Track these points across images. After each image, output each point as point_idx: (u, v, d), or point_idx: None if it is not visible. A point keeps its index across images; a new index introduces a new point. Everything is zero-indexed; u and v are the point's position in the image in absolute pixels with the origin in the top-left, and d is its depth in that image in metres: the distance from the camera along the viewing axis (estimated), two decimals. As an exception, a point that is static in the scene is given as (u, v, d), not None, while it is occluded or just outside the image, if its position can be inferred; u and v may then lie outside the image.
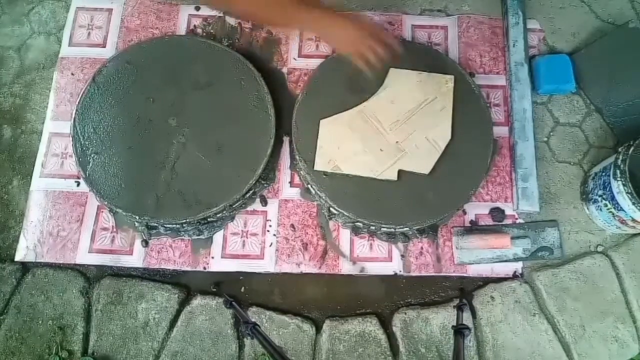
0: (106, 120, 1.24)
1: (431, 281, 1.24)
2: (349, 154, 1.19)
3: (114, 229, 1.25)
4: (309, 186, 1.22)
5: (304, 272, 1.23)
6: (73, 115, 1.25)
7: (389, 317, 1.21)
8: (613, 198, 1.12)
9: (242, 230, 1.25)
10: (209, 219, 1.23)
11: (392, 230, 1.21)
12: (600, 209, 1.19)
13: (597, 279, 1.20)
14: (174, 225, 1.22)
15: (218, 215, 1.22)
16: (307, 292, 1.24)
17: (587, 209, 1.26)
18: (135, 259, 1.23)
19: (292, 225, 1.25)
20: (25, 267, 1.24)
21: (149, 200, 1.18)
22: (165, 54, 1.30)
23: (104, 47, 1.40)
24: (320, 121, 1.22)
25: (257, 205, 1.27)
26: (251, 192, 1.23)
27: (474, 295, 1.21)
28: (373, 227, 1.21)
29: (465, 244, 1.22)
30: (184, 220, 1.18)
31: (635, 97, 1.32)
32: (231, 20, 1.41)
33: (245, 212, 1.26)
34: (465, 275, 1.23)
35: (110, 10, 1.43)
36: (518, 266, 1.23)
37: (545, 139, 1.33)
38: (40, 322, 1.19)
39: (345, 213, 1.17)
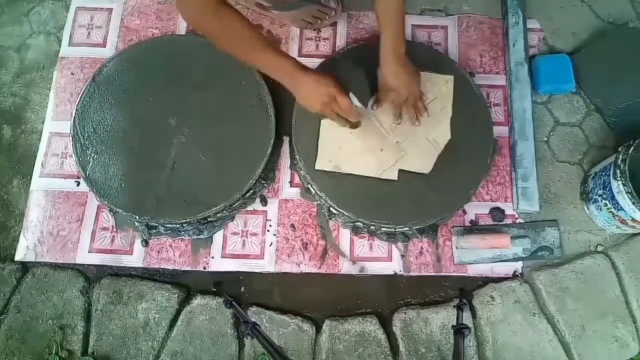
0: (106, 120, 1.24)
1: (431, 281, 1.24)
2: (350, 154, 1.19)
3: (114, 229, 1.25)
4: (309, 186, 1.22)
5: (304, 271, 1.23)
6: (73, 115, 1.25)
7: (389, 317, 1.21)
8: (613, 198, 1.12)
9: (242, 230, 1.25)
10: (209, 219, 1.23)
11: (392, 230, 1.21)
12: (600, 209, 1.19)
13: (597, 279, 1.20)
14: (174, 225, 1.22)
15: (218, 215, 1.22)
16: (307, 292, 1.24)
17: (587, 208, 1.26)
18: (135, 259, 1.23)
19: (292, 225, 1.25)
20: (25, 267, 1.24)
21: (149, 200, 1.18)
22: (165, 54, 1.30)
23: (104, 46, 1.40)
24: (321, 121, 1.22)
25: (257, 205, 1.27)
26: (251, 191, 1.23)
27: (473, 295, 1.21)
28: (373, 227, 1.21)
29: (465, 243, 1.22)
30: (184, 220, 1.18)
31: (635, 97, 1.32)
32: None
33: (245, 211, 1.26)
34: (465, 275, 1.23)
35: (110, 10, 1.43)
36: (518, 266, 1.23)
37: (545, 139, 1.33)
38: (40, 321, 1.19)
39: (345, 213, 1.17)
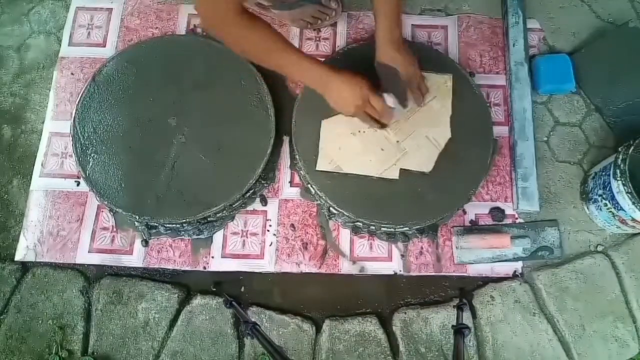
0: (106, 119, 1.24)
1: (431, 281, 1.24)
2: (350, 154, 1.19)
3: (114, 229, 1.25)
4: (309, 186, 1.22)
5: (304, 271, 1.23)
6: (73, 115, 1.25)
7: (389, 316, 1.21)
8: (613, 198, 1.12)
9: (242, 230, 1.25)
10: (208, 219, 1.23)
11: (392, 230, 1.21)
12: (600, 209, 1.19)
13: (597, 279, 1.20)
14: (174, 225, 1.22)
15: (218, 215, 1.22)
16: (307, 291, 1.24)
17: (587, 208, 1.26)
18: (135, 259, 1.23)
19: (292, 225, 1.25)
20: (25, 267, 1.24)
21: (148, 200, 1.18)
22: (165, 54, 1.30)
23: (104, 46, 1.40)
24: (322, 121, 1.22)
25: (257, 204, 1.27)
26: (251, 191, 1.23)
27: (473, 294, 1.21)
28: (373, 227, 1.21)
29: (465, 243, 1.22)
30: (184, 220, 1.18)
31: (635, 97, 1.32)
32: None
33: (245, 211, 1.26)
34: (465, 274, 1.23)
35: (110, 10, 1.43)
36: (518, 266, 1.23)
37: (545, 139, 1.33)
38: (40, 321, 1.19)
39: (345, 213, 1.17)
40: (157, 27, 1.41)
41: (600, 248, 1.24)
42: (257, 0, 1.32)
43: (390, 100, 1.06)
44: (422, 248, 1.24)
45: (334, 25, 1.40)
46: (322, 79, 1.01)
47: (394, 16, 1.07)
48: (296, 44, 1.38)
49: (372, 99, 1.02)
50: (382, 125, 1.10)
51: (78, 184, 1.28)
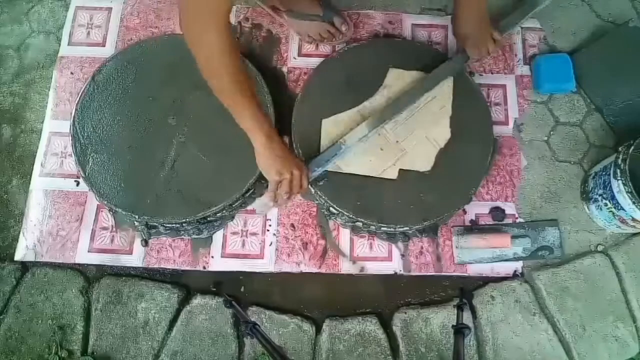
0: (106, 119, 1.24)
1: (431, 281, 1.24)
2: (350, 154, 1.19)
3: (114, 229, 1.25)
4: (309, 185, 1.22)
5: (303, 271, 1.22)
6: (72, 115, 1.24)
7: (389, 316, 1.21)
8: (613, 197, 1.12)
9: (242, 230, 1.25)
10: (208, 218, 1.22)
11: (392, 230, 1.21)
12: (601, 208, 1.19)
13: (597, 279, 1.20)
14: (174, 225, 1.22)
15: (218, 215, 1.22)
16: (307, 291, 1.24)
17: (588, 208, 1.26)
18: (135, 259, 1.23)
19: (292, 225, 1.25)
20: (25, 267, 1.24)
21: (148, 200, 1.17)
22: (165, 53, 1.29)
23: (104, 46, 1.39)
24: (322, 121, 1.22)
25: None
26: (251, 191, 1.23)
27: (474, 294, 1.20)
28: (373, 227, 1.21)
29: (466, 243, 1.22)
30: (184, 220, 1.18)
31: (636, 97, 1.32)
32: (231, 19, 1.41)
33: (245, 211, 1.26)
34: (465, 274, 1.23)
35: (109, 9, 1.43)
36: (518, 265, 1.23)
37: (546, 138, 1.32)
38: (39, 321, 1.19)
39: (345, 213, 1.17)
40: (156, 27, 1.41)
41: (600, 248, 1.24)
42: (272, 3, 1.32)
43: (315, 172, 1.12)
44: (422, 248, 1.24)
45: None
46: (265, 139, 0.99)
47: None
48: (296, 44, 1.38)
49: (303, 180, 1.05)
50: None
51: (78, 183, 1.28)
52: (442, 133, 1.21)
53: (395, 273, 1.22)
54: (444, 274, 1.23)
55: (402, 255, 1.23)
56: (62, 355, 1.16)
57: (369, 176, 1.18)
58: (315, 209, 1.26)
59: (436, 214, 1.18)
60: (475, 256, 1.22)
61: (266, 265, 1.23)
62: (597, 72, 1.34)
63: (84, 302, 1.20)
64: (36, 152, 1.31)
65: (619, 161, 1.09)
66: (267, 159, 1.02)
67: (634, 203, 1.06)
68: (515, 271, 1.23)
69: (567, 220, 1.26)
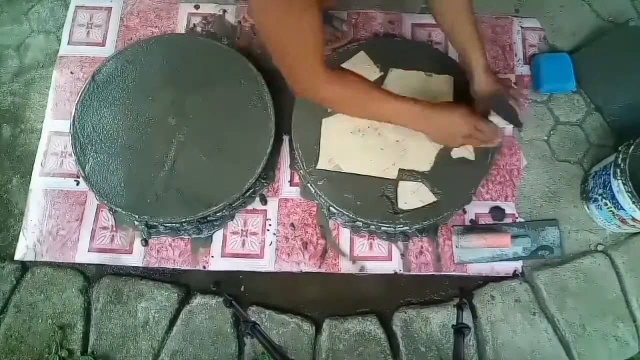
0: (106, 119, 1.23)
1: (431, 280, 1.24)
2: (350, 153, 1.19)
3: (114, 228, 1.25)
4: (309, 185, 1.22)
5: (303, 271, 1.22)
6: (72, 114, 1.24)
7: (389, 316, 1.21)
8: (613, 197, 1.12)
9: (241, 229, 1.25)
10: (208, 218, 1.22)
11: (392, 229, 1.21)
12: (601, 208, 1.19)
13: (597, 278, 1.20)
14: (174, 224, 1.22)
15: (218, 214, 1.22)
16: (307, 291, 1.24)
17: (588, 207, 1.26)
18: (135, 258, 1.23)
19: (292, 224, 1.25)
20: (25, 266, 1.24)
21: (148, 199, 1.17)
22: (165, 53, 1.29)
23: (104, 45, 1.39)
24: (322, 120, 1.21)
25: (257, 204, 1.27)
26: (251, 191, 1.23)
27: (474, 294, 1.20)
28: (373, 227, 1.21)
29: (465, 243, 1.21)
30: (184, 219, 1.18)
31: (636, 96, 1.32)
32: (231, 19, 1.41)
33: (245, 211, 1.26)
34: (465, 274, 1.23)
35: (109, 9, 1.43)
36: (518, 265, 1.23)
37: (546, 138, 1.32)
38: (39, 321, 1.19)
39: (345, 212, 1.17)
40: (156, 26, 1.41)
41: (600, 247, 1.24)
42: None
43: (497, 120, 1.03)
44: (422, 247, 1.24)
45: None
46: (422, 117, 0.99)
47: (481, 45, 1.04)
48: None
49: (480, 125, 1.00)
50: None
51: (77, 183, 1.28)
52: (442, 133, 1.21)
53: (395, 273, 1.22)
54: (444, 273, 1.23)
55: (402, 255, 1.23)
56: (62, 354, 1.16)
57: (368, 175, 1.18)
58: (315, 209, 1.26)
59: (436, 213, 1.18)
60: (475, 256, 1.22)
61: (266, 264, 1.23)
62: (597, 71, 1.34)
63: (84, 301, 1.20)
64: (36, 152, 1.31)
65: (619, 161, 1.09)
66: (435, 130, 1.01)
67: (634, 202, 1.06)
68: (515, 271, 1.23)
69: (567, 220, 1.26)
